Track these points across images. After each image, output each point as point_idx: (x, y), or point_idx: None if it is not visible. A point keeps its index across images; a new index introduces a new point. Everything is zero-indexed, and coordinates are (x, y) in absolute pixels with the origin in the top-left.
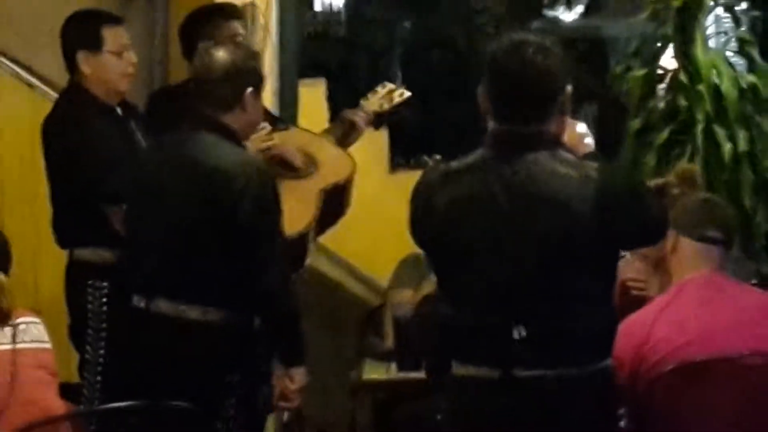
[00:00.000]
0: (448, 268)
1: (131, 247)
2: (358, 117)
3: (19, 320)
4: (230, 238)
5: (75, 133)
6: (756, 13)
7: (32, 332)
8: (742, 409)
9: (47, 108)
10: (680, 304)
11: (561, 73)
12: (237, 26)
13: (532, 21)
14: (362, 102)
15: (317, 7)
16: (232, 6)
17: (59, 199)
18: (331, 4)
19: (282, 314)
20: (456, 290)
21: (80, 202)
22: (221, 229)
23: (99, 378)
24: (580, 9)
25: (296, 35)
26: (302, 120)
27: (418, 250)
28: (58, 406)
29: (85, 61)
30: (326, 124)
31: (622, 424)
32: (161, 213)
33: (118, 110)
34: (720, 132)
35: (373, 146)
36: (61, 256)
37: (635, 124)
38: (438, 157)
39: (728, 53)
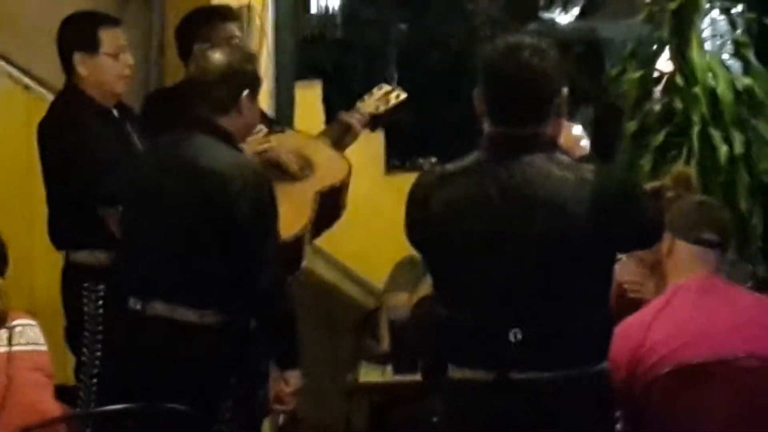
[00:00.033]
0: (444, 270)
1: (127, 250)
2: (354, 119)
3: (15, 322)
4: (227, 241)
5: (71, 135)
6: (752, 15)
7: (28, 335)
8: (738, 411)
9: (43, 110)
10: (676, 307)
11: (557, 75)
12: (233, 28)
13: (528, 23)
14: (358, 104)
15: (313, 9)
16: (228, 8)
17: (55, 201)
18: (327, 6)
19: (277, 316)
20: (452, 292)
21: (76, 204)
22: (218, 232)
23: (95, 380)
24: (576, 11)
25: (292, 37)
26: (298, 122)
27: (414, 253)
28: (53, 408)
29: (81, 63)
30: (322, 126)
31: (618, 426)
32: (157, 215)
33: (115, 112)
34: (716, 134)
35: (369, 148)
36: (57, 258)
37: (631, 126)
38: (434, 159)
39: (724, 56)
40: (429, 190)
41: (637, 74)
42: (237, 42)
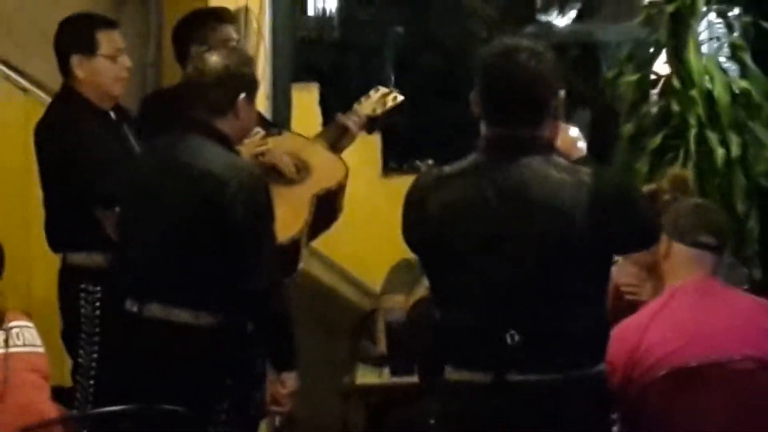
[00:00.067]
0: (441, 272)
1: (124, 251)
2: (351, 121)
3: (11, 324)
4: (223, 242)
5: (68, 137)
6: (748, 18)
7: (25, 336)
8: (734, 413)
9: (40, 112)
10: (673, 309)
11: (554, 77)
12: (230, 30)
13: (525, 26)
14: (355, 106)
15: (310, 11)
16: (226, 10)
17: (52, 203)
18: (324, 9)
19: (273, 318)
20: (449, 294)
21: (73, 205)
22: (214, 234)
23: (92, 382)
24: (573, 14)
25: (289, 39)
26: (295, 124)
27: (411, 255)
28: (50, 409)
29: (79, 65)
30: (319, 128)
31: (615, 428)
32: (154, 217)
33: (112, 114)
34: (712, 137)
35: (366, 150)
36: (54, 259)
37: (628, 129)
38: (431, 161)
39: (721, 59)
40: (426, 192)
41: (634, 77)
42: (234, 44)
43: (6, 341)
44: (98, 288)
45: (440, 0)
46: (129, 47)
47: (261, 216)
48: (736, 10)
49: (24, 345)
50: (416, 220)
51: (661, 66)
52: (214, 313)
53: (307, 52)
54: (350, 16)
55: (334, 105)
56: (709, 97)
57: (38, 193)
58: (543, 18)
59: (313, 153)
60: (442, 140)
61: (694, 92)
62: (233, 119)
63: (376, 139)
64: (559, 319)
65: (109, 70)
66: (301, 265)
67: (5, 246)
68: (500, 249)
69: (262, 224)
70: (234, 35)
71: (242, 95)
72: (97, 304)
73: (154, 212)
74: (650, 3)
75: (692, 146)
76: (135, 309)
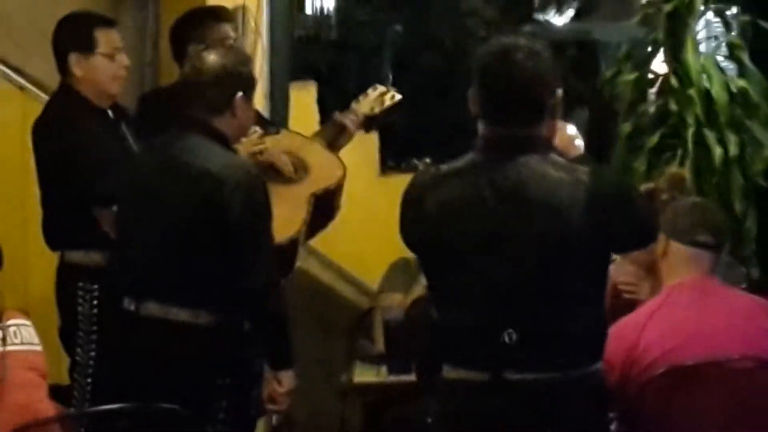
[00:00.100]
0: (438, 271)
1: (122, 250)
2: (349, 120)
3: (9, 322)
4: (220, 241)
5: (66, 136)
6: (746, 17)
7: (23, 334)
8: (732, 412)
9: (38, 110)
10: (671, 308)
11: (551, 76)
12: (228, 29)
13: (523, 24)
14: (353, 105)
15: (308, 10)
16: (223, 9)
17: (50, 202)
18: (321, 7)
19: (270, 317)
20: (447, 293)
21: (71, 204)
22: (211, 232)
23: (89, 380)
24: (571, 13)
25: (287, 38)
26: (293, 123)
27: (409, 253)
28: (48, 408)
29: (77, 63)
30: (317, 127)
31: (612, 427)
32: (151, 216)
33: (110, 113)
34: (710, 136)
35: (363, 149)
36: (52, 258)
37: (626, 128)
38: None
39: (719, 58)
40: (423, 191)
41: (632, 76)
42: (232, 43)
43: (3, 339)
44: (96, 286)
45: None
46: (127, 46)
47: (258, 215)
48: (734, 9)
49: (21, 343)
50: (414, 219)
51: (659, 65)
52: (212, 311)
53: (304, 50)
54: (348, 15)
55: (331, 104)
56: (706, 96)
57: (36, 192)
58: (541, 17)
59: (311, 152)
60: (440, 139)
61: (691, 91)
62: (231, 118)
63: (373, 137)
64: (557, 317)
65: (107, 69)
66: (298, 264)
67: (3, 244)
68: (498, 248)
69: (260, 223)
70: (231, 34)
71: (240, 94)
72: (95, 302)
73: (152, 211)
74: (648, 2)
75: (690, 145)
76: (132, 307)
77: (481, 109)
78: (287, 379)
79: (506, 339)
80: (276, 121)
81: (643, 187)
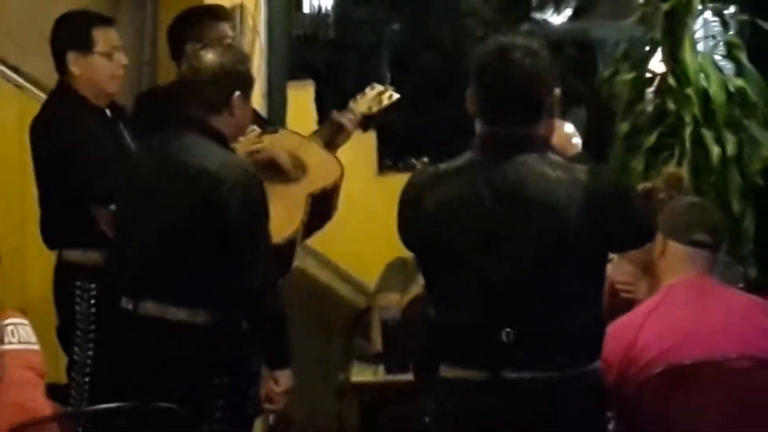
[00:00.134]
0: (436, 270)
1: (120, 249)
2: (347, 119)
3: (6, 321)
4: (218, 240)
5: (64, 134)
6: (744, 17)
7: (20, 333)
8: (729, 412)
9: (36, 109)
10: (668, 307)
11: (549, 76)
12: (225, 28)
13: (520, 24)
14: (351, 104)
15: (306, 9)
16: (221, 8)
17: (47, 200)
18: (319, 6)
19: (267, 316)
20: (444, 292)
21: (69, 202)
22: (209, 231)
23: (87, 379)
24: (568, 12)
25: (285, 37)
26: (291, 122)
27: (406, 253)
28: (45, 407)
29: (75, 62)
30: (315, 126)
31: (610, 426)
32: (149, 215)
33: (107, 111)
34: (708, 136)
35: (361, 148)
36: (49, 257)
37: (623, 127)
38: (426, 159)
39: (716, 57)
40: (421, 190)
41: (630, 75)
42: (229, 42)
43: (1, 338)
44: (93, 285)
45: None
46: (125, 45)
47: (256, 214)
48: (732, 8)
49: (19, 342)
50: (412, 218)
51: (657, 64)
52: (210, 311)
53: (302, 49)
54: (346, 14)
55: (329, 103)
56: (704, 95)
57: (34, 191)
58: (538, 16)
59: (309, 151)
60: (438, 138)
61: (689, 90)
62: (228, 117)
63: (371, 137)
64: (555, 316)
65: (105, 68)
66: (296, 264)
67: (1, 243)
68: (496, 247)
69: (257, 222)
70: (229, 33)
71: (237, 93)
72: (93, 301)
73: (150, 210)
74: (646, 1)
75: (688, 145)
76: (130, 307)
77: (479, 108)
78: (284, 378)
79: (504, 338)
80: (274, 120)
81: (641, 186)
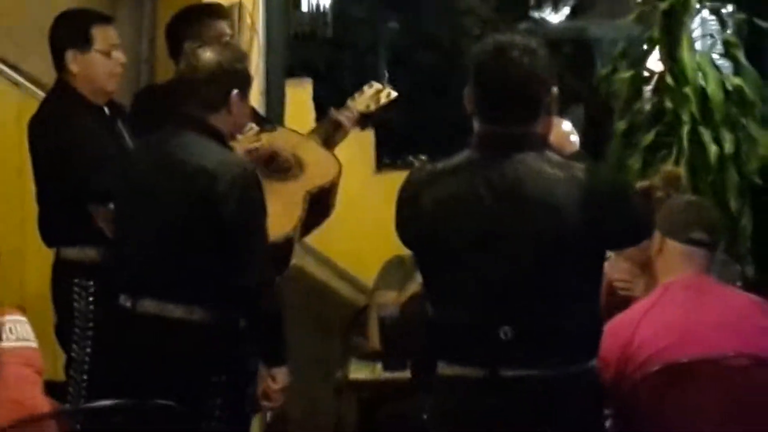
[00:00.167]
0: (434, 268)
1: (118, 247)
2: (345, 117)
3: (5, 318)
4: (216, 238)
5: (62, 132)
6: (741, 15)
7: (18, 331)
8: (727, 410)
9: (34, 107)
10: (665, 306)
11: (547, 74)
12: (224, 26)
13: (518, 22)
14: (349, 102)
15: (304, 7)
16: (219, 6)
17: (46, 198)
18: (317, 4)
19: (264, 314)
20: (442, 290)
21: (67, 200)
22: (207, 229)
23: (85, 377)
24: (566, 11)
25: (283, 35)
26: (289, 120)
27: (404, 251)
28: (43, 404)
29: (73, 60)
30: (313, 124)
31: (607, 424)
32: (147, 213)
33: (106, 109)
34: (706, 134)
35: (359, 146)
36: (48, 254)
37: (621, 125)
38: (424, 157)
39: (714, 56)
40: (419, 188)
41: (628, 74)
42: (227, 40)
43: None
44: (92, 283)
45: None
46: (123, 43)
47: (254, 212)
48: (730, 7)
49: (17, 339)
50: (410, 216)
51: (655, 63)
52: (207, 308)
53: (300, 47)
54: (344, 12)
55: (327, 101)
56: (702, 94)
57: (32, 188)
58: (536, 14)
59: (307, 150)
60: (436, 136)
61: (687, 89)
62: (226, 115)
63: (369, 135)
64: (553, 314)
65: (104, 66)
66: (294, 261)
67: None
68: (494, 245)
69: (255, 220)
70: (227, 31)
71: (235, 91)
72: (91, 298)
73: (148, 208)
74: (644, 0)
75: (685, 143)
76: (128, 304)
77: (477, 107)
78: (281, 376)
79: (502, 336)
80: (272, 118)
81: (639, 184)
